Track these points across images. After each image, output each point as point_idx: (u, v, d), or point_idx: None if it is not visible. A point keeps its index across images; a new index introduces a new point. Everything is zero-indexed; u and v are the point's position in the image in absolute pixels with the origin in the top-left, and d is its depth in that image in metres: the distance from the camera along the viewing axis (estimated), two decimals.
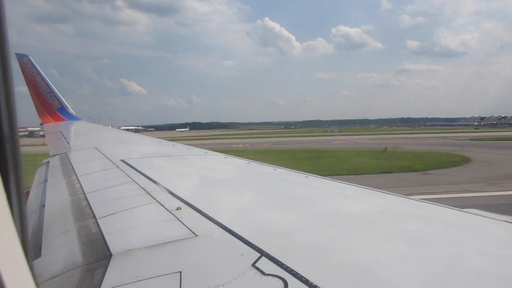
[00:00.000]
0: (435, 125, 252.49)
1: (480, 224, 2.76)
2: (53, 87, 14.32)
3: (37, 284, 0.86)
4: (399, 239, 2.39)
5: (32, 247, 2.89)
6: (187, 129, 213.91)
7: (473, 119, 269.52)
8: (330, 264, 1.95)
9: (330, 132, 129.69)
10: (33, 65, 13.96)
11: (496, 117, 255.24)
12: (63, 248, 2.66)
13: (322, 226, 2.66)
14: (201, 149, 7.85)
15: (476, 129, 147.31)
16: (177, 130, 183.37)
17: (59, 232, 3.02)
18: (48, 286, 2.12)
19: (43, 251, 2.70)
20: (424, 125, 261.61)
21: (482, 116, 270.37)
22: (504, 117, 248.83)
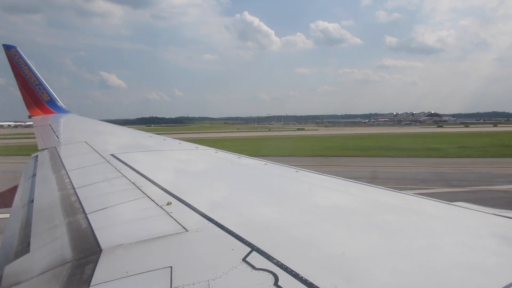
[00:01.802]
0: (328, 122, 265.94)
1: (462, 215, 2.87)
2: (42, 79, 14.09)
3: None
4: (389, 232, 2.46)
5: (19, 244, 2.92)
6: None
7: (390, 115, 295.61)
8: (320, 258, 1.99)
9: None
10: (20, 57, 13.60)
11: (409, 113, 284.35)
12: (52, 243, 2.64)
13: (313, 220, 2.70)
14: (192, 143, 7.87)
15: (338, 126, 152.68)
16: None
17: (48, 228, 2.99)
18: (37, 282, 2.12)
19: (31, 247, 2.68)
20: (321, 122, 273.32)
21: (396, 112, 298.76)
22: (412, 114, 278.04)
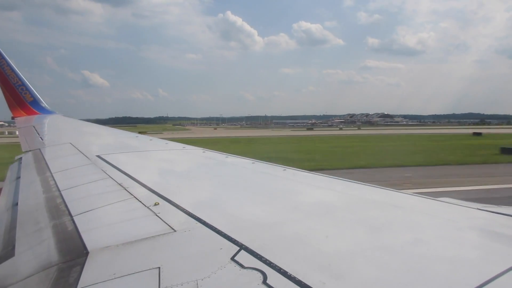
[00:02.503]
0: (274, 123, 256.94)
1: (447, 210, 2.94)
2: (25, 79, 13.73)
3: None
4: (375, 228, 2.51)
5: (3, 247, 2.87)
6: None
7: (347, 116, 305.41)
8: (308, 255, 2.01)
9: None
10: (2, 57, 13.24)
11: (364, 114, 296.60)
12: (38, 246, 2.61)
13: (300, 218, 2.73)
14: (179, 143, 7.86)
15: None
16: None
17: (34, 231, 2.95)
18: (23, 286, 2.09)
19: (16, 250, 2.64)
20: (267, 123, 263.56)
21: (353, 113, 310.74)
22: (367, 115, 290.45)
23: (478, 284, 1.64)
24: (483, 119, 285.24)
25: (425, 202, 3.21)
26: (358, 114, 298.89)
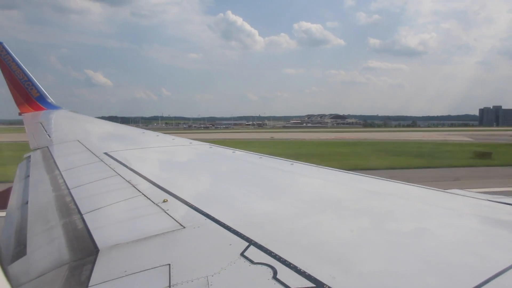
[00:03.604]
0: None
1: (457, 202, 2.95)
2: (31, 75, 13.72)
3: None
4: (384, 221, 2.53)
5: (15, 246, 2.89)
6: None
7: (304, 117, 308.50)
8: (317, 250, 2.01)
9: None
10: (8, 53, 13.23)
11: (319, 115, 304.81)
12: (49, 245, 2.64)
13: (309, 212, 2.74)
14: (186, 139, 7.86)
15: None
16: None
17: (44, 229, 2.98)
18: (36, 285, 2.11)
19: (28, 249, 2.67)
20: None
21: (310, 114, 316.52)
22: (321, 116, 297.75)
23: (486, 274, 1.64)
24: (415, 121, 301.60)
25: (434, 194, 3.22)
26: (315, 115, 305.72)
